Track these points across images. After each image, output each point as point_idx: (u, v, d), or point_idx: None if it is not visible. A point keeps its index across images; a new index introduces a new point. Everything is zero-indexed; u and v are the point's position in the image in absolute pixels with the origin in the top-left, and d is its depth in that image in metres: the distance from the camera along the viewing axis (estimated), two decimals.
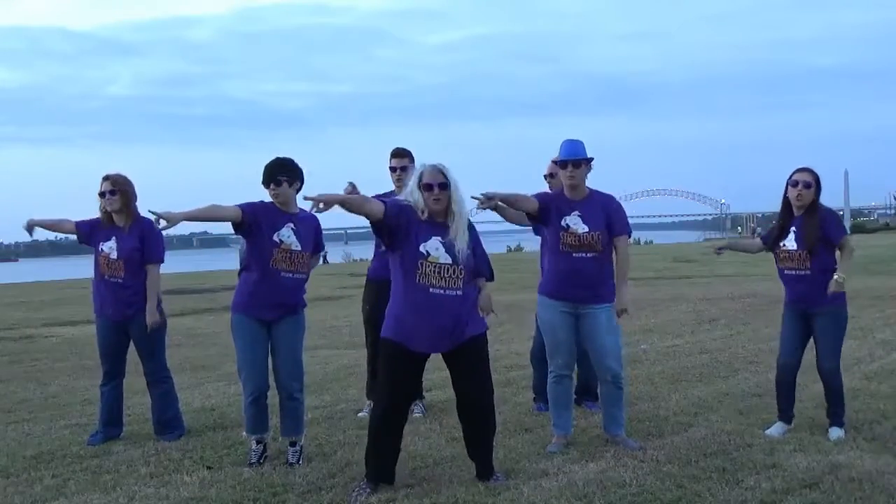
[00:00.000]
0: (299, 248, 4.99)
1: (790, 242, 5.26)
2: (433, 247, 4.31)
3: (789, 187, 5.28)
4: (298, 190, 5.03)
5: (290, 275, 4.99)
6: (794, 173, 5.29)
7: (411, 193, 4.36)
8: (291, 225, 4.98)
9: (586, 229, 4.98)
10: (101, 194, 5.61)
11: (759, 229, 76.83)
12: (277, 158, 4.99)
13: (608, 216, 5.04)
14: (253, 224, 4.87)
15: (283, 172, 4.96)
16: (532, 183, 6.31)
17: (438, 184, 4.31)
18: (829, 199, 6.31)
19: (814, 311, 5.25)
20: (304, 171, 5.07)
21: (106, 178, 5.62)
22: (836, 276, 5.13)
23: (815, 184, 5.25)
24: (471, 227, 4.46)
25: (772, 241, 5.40)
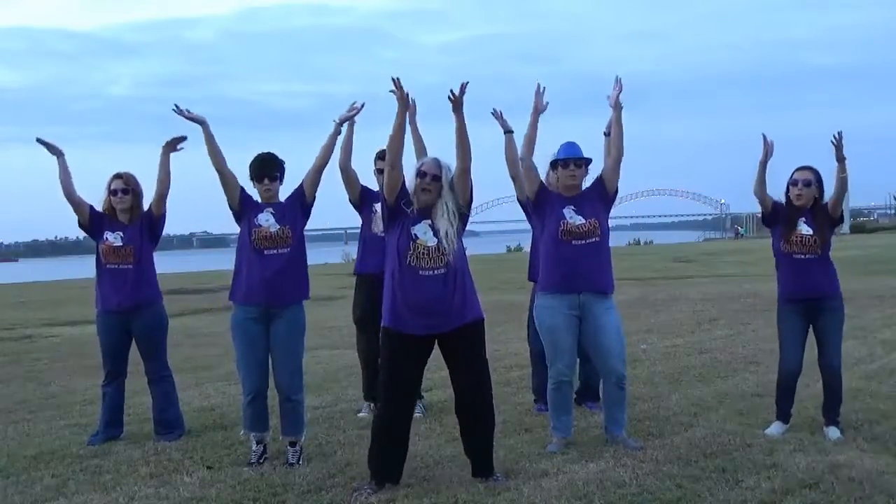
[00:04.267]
0: (278, 227, 5.03)
1: (804, 229, 5.22)
2: (422, 230, 4.44)
3: (789, 186, 5.28)
4: (280, 185, 5.19)
5: (275, 251, 5.01)
6: (794, 172, 5.29)
7: (409, 182, 4.52)
8: (271, 209, 5.08)
9: (582, 220, 5.04)
10: (113, 192, 5.64)
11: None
12: (269, 154, 5.12)
13: (597, 194, 5.14)
14: (242, 200, 5.09)
15: (276, 168, 5.11)
16: None
17: (433, 175, 4.46)
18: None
19: (820, 304, 5.24)
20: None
21: (119, 177, 5.69)
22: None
23: (815, 182, 5.25)
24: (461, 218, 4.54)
25: (777, 226, 5.29)
